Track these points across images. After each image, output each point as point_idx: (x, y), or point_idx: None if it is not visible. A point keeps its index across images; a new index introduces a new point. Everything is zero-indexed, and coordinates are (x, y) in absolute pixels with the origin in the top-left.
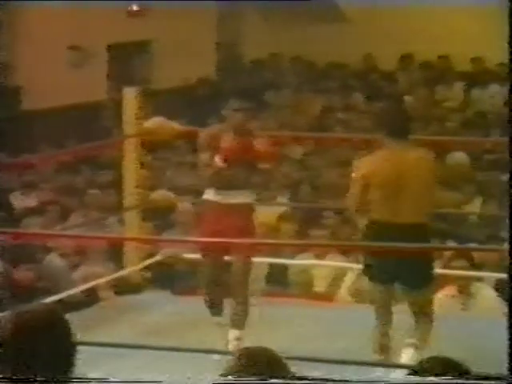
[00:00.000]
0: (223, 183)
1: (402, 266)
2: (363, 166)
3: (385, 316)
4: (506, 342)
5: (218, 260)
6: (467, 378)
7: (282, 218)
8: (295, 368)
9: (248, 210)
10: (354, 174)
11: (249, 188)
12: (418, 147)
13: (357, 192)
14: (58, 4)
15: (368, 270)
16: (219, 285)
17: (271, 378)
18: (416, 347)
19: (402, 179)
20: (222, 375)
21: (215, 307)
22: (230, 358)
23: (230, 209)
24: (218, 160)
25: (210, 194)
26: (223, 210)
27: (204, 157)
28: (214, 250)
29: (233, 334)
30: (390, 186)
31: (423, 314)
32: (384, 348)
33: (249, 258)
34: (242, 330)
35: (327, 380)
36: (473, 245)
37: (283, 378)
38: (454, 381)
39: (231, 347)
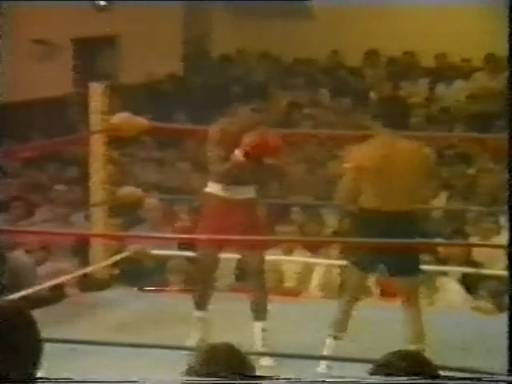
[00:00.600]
0: (236, 178)
1: (388, 254)
2: (355, 157)
3: (352, 301)
4: (506, 342)
5: (214, 256)
6: (466, 379)
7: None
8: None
9: (256, 205)
10: (345, 165)
11: (257, 183)
12: (411, 139)
13: (349, 183)
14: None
15: (353, 256)
16: (212, 280)
17: (233, 375)
18: (336, 338)
19: (392, 167)
20: (184, 373)
21: (203, 301)
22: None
23: (239, 204)
24: (237, 154)
25: (215, 189)
26: (231, 206)
27: (217, 151)
28: (218, 246)
29: (258, 326)
30: (380, 174)
31: (411, 304)
32: (342, 325)
33: (262, 251)
34: (265, 321)
35: (295, 380)
36: (438, 240)
37: (245, 375)
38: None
39: (259, 339)
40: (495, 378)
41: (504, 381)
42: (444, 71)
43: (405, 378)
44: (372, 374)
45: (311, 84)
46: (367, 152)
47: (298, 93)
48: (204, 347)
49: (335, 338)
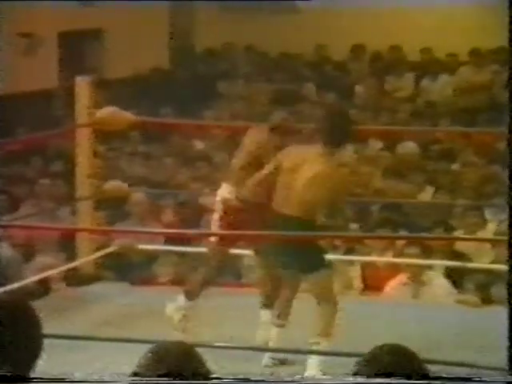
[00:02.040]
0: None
1: (289, 252)
2: (277, 158)
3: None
4: (506, 338)
5: None
6: (466, 379)
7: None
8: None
9: None
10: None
11: None
12: (333, 156)
13: (260, 177)
14: None
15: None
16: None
17: (181, 375)
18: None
19: (295, 174)
20: (133, 373)
21: (271, 300)
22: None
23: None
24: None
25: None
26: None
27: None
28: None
29: None
30: (284, 178)
31: (322, 299)
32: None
33: None
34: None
35: (247, 380)
36: (424, 234)
37: (195, 374)
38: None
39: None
40: (495, 378)
41: (504, 381)
42: (429, 66)
43: (406, 379)
44: (358, 368)
45: (297, 78)
46: (282, 155)
47: (283, 87)
48: (155, 346)
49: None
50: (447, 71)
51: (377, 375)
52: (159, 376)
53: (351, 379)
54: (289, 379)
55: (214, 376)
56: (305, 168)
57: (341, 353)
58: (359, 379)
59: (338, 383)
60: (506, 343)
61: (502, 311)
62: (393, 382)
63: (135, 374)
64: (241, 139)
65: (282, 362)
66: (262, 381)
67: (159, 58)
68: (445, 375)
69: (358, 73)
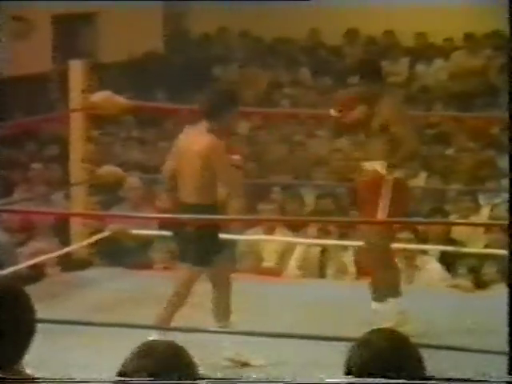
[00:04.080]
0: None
1: (185, 243)
2: (177, 142)
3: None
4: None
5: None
6: (465, 380)
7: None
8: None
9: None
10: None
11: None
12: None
13: (166, 168)
14: None
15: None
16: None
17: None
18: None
19: (185, 160)
20: (119, 372)
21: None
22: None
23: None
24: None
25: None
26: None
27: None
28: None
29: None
30: (180, 165)
31: (219, 286)
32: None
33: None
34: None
35: (231, 380)
36: (418, 218)
37: (182, 376)
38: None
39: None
40: (496, 379)
41: (504, 381)
42: (424, 50)
43: (406, 378)
44: (351, 352)
45: (291, 63)
46: (179, 140)
47: (278, 72)
48: (141, 345)
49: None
50: (441, 56)
51: (370, 359)
52: (148, 375)
53: (351, 379)
54: (278, 380)
55: (204, 377)
56: (192, 149)
57: (334, 337)
58: (359, 379)
59: (337, 383)
60: (499, 327)
61: (495, 295)
62: (392, 382)
63: (121, 374)
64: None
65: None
66: (249, 381)
67: (153, 43)
68: (445, 377)
69: (352, 58)
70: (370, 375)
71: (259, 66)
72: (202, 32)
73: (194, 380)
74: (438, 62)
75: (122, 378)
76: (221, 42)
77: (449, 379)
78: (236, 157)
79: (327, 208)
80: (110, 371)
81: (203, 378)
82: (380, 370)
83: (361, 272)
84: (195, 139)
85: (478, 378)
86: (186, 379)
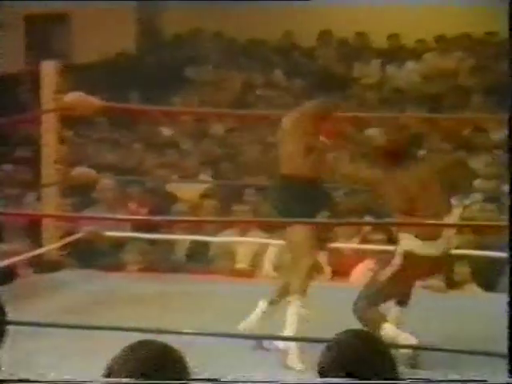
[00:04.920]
0: None
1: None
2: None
3: None
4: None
5: None
6: (465, 382)
7: (204, 195)
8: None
9: None
10: None
11: None
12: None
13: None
14: None
15: None
16: None
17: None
18: None
19: None
20: (104, 373)
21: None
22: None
23: None
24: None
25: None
26: None
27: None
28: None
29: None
30: None
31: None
32: None
33: None
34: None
35: (216, 380)
36: (389, 219)
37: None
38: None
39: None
40: (496, 380)
41: (505, 383)
42: (396, 52)
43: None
44: (324, 353)
45: (265, 65)
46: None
47: (252, 73)
48: (129, 345)
49: None
50: (414, 58)
51: (342, 360)
52: (139, 376)
53: (350, 379)
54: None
55: (195, 378)
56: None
57: (308, 338)
58: (357, 380)
59: (336, 383)
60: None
61: (466, 296)
62: (393, 382)
63: (109, 372)
64: (208, 126)
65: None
66: (236, 381)
67: (126, 43)
68: (445, 378)
69: (325, 59)
70: (341, 375)
71: (233, 67)
72: (174, 33)
73: (186, 380)
74: (410, 64)
75: (109, 380)
76: (194, 43)
77: (451, 381)
78: None
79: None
80: (75, 373)
81: (192, 380)
82: (352, 370)
83: (335, 273)
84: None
85: (479, 379)
86: (175, 378)
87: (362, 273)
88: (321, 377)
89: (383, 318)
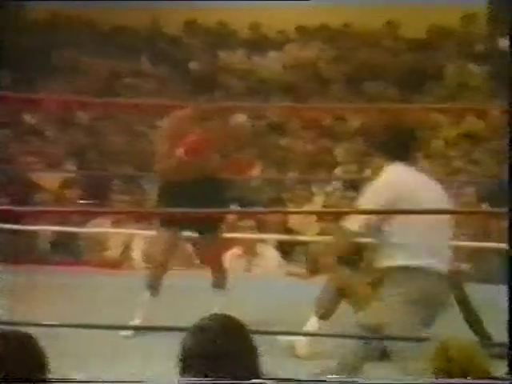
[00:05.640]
0: None
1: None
2: None
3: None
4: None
5: None
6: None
7: (64, 184)
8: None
9: None
10: None
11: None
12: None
13: None
14: None
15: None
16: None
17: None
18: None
19: None
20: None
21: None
22: None
23: None
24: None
25: None
26: None
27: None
28: None
29: None
30: None
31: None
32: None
33: None
34: None
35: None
36: (258, 208)
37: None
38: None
39: None
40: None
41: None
42: (259, 42)
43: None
44: (185, 338)
45: (131, 53)
46: None
47: (118, 61)
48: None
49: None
50: (276, 48)
51: (209, 345)
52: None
53: (350, 379)
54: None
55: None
56: None
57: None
58: (359, 380)
59: (338, 382)
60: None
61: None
62: (393, 382)
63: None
64: (73, 115)
65: None
66: (314, 381)
67: None
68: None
69: (191, 48)
70: (202, 360)
71: (98, 54)
72: (35, 18)
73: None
74: (273, 54)
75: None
76: (58, 29)
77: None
78: None
79: None
80: None
81: (59, 380)
82: (212, 354)
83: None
84: None
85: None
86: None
87: (229, 260)
88: (181, 361)
89: None
